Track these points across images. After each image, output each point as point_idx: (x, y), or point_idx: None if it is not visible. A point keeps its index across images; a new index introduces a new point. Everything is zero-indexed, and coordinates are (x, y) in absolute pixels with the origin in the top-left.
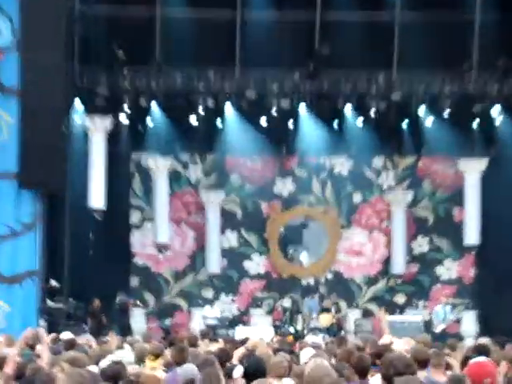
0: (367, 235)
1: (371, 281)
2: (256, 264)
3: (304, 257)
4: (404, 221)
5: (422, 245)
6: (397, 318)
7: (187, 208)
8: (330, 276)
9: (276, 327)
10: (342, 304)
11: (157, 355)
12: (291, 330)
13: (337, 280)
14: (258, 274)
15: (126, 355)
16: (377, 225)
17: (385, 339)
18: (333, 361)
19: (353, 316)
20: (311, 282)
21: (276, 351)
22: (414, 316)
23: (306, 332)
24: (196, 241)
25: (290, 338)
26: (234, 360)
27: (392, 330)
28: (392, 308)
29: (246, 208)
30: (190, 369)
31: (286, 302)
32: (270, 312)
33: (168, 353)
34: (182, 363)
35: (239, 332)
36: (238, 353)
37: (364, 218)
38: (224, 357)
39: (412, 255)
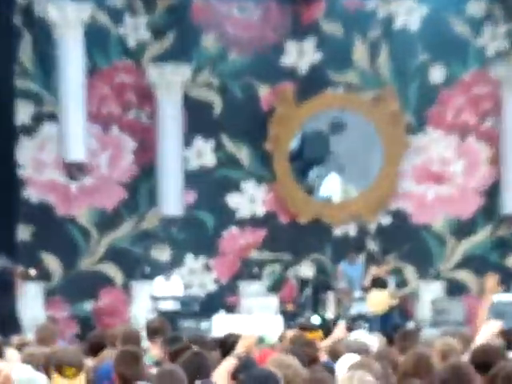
0: (456, 144)
1: (463, 228)
2: (249, 199)
3: (336, 185)
4: None
5: None
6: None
7: (121, 97)
8: (385, 220)
9: (287, 315)
10: (409, 272)
11: (69, 369)
12: (315, 319)
13: (399, 227)
14: (252, 218)
15: (8, 369)
16: (474, 125)
17: (485, 334)
18: (392, 379)
19: (429, 293)
20: (351, 231)
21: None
22: None
23: (341, 322)
24: (139, 158)
25: (315, 335)
26: (217, 378)
27: (497, 318)
28: (503, 278)
29: (232, 96)
30: None
31: (306, 270)
32: (276, 287)
33: (92, 364)
34: None
35: (219, 323)
36: (225, 367)
37: (450, 113)
38: (193, 371)
39: None
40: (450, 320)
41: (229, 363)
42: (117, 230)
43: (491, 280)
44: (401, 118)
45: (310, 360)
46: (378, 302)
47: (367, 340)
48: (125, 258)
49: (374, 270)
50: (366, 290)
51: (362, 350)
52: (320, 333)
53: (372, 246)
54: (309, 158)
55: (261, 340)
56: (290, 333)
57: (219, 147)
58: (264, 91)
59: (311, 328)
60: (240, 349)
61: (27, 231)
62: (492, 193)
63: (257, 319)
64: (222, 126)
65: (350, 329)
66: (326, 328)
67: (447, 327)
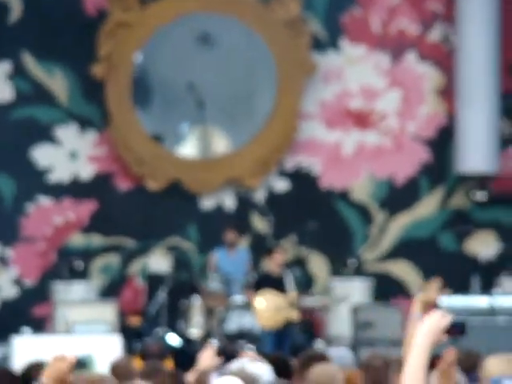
0: (386, 67)
1: (399, 196)
2: (68, 154)
3: (202, 133)
4: None
5: None
6: (461, 299)
7: None
8: (280, 185)
9: (130, 332)
10: (317, 263)
11: None
12: (172, 339)
13: (301, 196)
14: (73, 183)
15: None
16: (414, 37)
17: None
18: None
19: (348, 297)
20: (227, 201)
21: None
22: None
23: (213, 343)
24: None
25: (167, 364)
26: None
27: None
28: (462, 270)
29: None
30: None
31: (159, 262)
32: (113, 291)
33: None
34: None
35: (22, 348)
36: None
37: (377, 19)
38: None
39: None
40: (380, 336)
41: None
42: None
43: (430, 290)
44: (303, 27)
45: None
46: (270, 311)
47: (254, 370)
48: None
49: (267, 261)
50: (250, 292)
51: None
52: (170, 360)
53: (260, 224)
54: (160, 90)
55: (82, 365)
56: (124, 360)
57: (19, 72)
58: None
59: (159, 353)
60: (45, 379)
61: None
62: (442, 142)
63: (81, 341)
64: (23, 38)
65: (224, 354)
66: (189, 353)
67: (375, 348)
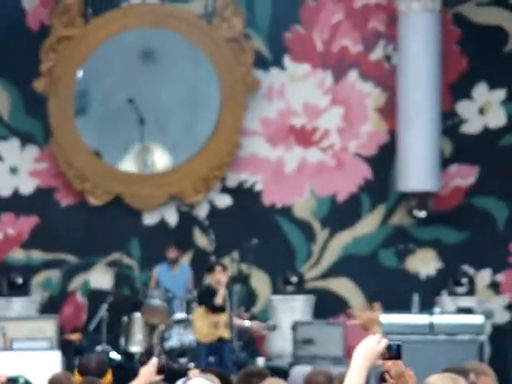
0: (329, 85)
1: (341, 213)
2: (9, 169)
3: (145, 149)
4: None
5: None
6: (402, 316)
7: None
8: (222, 201)
9: (70, 349)
10: (259, 280)
11: None
12: (113, 355)
13: (243, 211)
14: (14, 198)
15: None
16: (357, 56)
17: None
18: None
19: (290, 314)
20: (170, 217)
21: None
22: (467, 316)
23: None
24: None
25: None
26: None
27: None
28: (402, 287)
29: None
30: None
31: (101, 278)
32: (53, 306)
33: None
34: None
35: None
36: None
37: (320, 37)
38: None
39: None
40: (322, 354)
41: None
42: None
43: (371, 315)
44: (246, 44)
45: None
46: (204, 327)
47: None
48: None
49: (208, 278)
50: (190, 307)
51: None
52: (108, 377)
53: (202, 240)
54: (101, 106)
55: (14, 382)
56: (62, 376)
57: None
58: (32, 1)
59: (98, 368)
60: None
61: None
62: (383, 160)
63: (20, 357)
64: None
65: (164, 371)
66: (129, 369)
67: (317, 365)
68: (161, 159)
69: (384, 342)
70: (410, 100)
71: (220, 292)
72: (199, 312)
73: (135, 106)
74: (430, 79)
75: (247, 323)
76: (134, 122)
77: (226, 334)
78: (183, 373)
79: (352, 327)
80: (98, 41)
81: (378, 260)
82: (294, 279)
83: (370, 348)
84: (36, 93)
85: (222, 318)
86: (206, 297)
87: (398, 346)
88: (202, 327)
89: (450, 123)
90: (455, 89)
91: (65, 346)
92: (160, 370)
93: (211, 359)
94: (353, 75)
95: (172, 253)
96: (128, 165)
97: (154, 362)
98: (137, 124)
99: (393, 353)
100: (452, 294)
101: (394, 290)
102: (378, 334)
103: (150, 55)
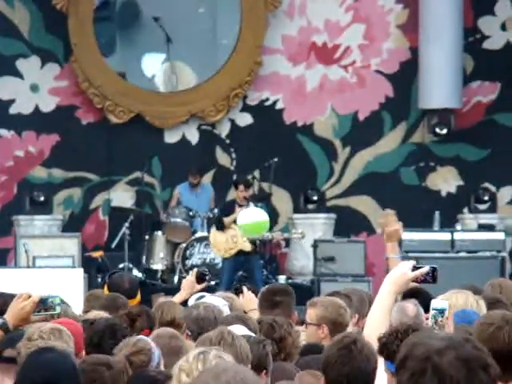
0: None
1: (362, 131)
2: (29, 87)
3: (164, 66)
4: None
5: None
6: (423, 234)
7: None
8: (243, 119)
9: (93, 266)
10: (280, 198)
11: None
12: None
13: (264, 130)
14: (35, 116)
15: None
16: None
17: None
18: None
19: (311, 232)
20: (190, 135)
21: None
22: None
23: (170, 277)
24: None
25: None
26: None
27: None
28: (424, 204)
29: None
30: None
31: (122, 197)
32: (75, 224)
33: None
34: None
35: None
36: None
37: None
38: None
39: None
40: (343, 271)
41: None
42: None
43: (388, 220)
44: None
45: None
46: (222, 242)
47: (217, 304)
48: None
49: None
50: (211, 223)
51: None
52: (138, 298)
53: (224, 158)
54: (121, 21)
55: (48, 302)
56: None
57: None
58: None
59: (130, 290)
60: (8, 314)
61: None
62: (405, 77)
63: (44, 274)
64: None
65: (203, 279)
66: (153, 285)
67: (339, 283)
68: (185, 78)
69: (415, 268)
70: (432, 16)
71: (234, 215)
72: (216, 230)
73: (161, 25)
74: None
75: (268, 234)
76: (159, 40)
77: (246, 246)
78: (205, 290)
79: (373, 244)
80: None
81: (399, 178)
82: (315, 197)
83: (401, 274)
84: (56, 10)
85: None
86: (220, 213)
87: (434, 270)
88: (220, 243)
89: (472, 39)
90: (477, 4)
91: (87, 264)
92: (200, 279)
93: (239, 274)
94: None
95: (193, 178)
96: (151, 83)
97: (193, 272)
98: (164, 42)
99: (428, 276)
100: (473, 211)
101: (415, 208)
102: (411, 261)
103: None
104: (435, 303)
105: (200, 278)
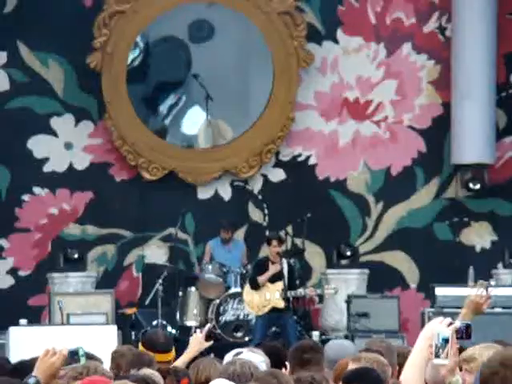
0: (382, 58)
1: (394, 187)
2: (63, 144)
3: (200, 123)
4: None
5: None
6: (457, 290)
7: None
8: (275, 175)
9: (126, 322)
10: (313, 254)
11: None
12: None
13: (297, 185)
14: (69, 174)
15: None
16: (410, 28)
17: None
18: None
19: (344, 287)
20: (223, 191)
21: None
22: None
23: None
24: None
25: (165, 357)
26: None
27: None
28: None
29: None
30: None
31: (156, 253)
32: (109, 281)
33: None
34: None
35: (18, 337)
36: None
37: (373, 10)
38: None
39: None
40: (376, 327)
41: None
42: None
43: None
44: (299, 18)
45: None
46: (256, 299)
47: (254, 360)
48: None
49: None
50: (245, 279)
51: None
52: (172, 353)
53: (256, 214)
54: (158, 80)
55: (74, 355)
56: (123, 350)
57: (13, 62)
58: None
59: (165, 345)
60: (37, 371)
61: None
62: (437, 132)
63: (78, 331)
64: (18, 28)
65: (212, 336)
66: (186, 342)
67: (372, 339)
68: (225, 134)
69: (450, 324)
70: (465, 72)
71: (268, 273)
72: (249, 287)
73: (200, 81)
74: (485, 50)
75: (301, 291)
76: (200, 96)
77: (279, 304)
78: (239, 346)
79: (406, 299)
80: (151, 14)
81: (432, 233)
82: (348, 253)
83: (436, 329)
84: (89, 68)
85: (272, 288)
86: (253, 271)
87: (468, 327)
88: (253, 301)
89: (504, 95)
90: (510, 60)
91: (120, 321)
92: (208, 337)
93: (272, 330)
94: (406, 48)
95: (225, 233)
96: (194, 141)
97: (204, 329)
98: (203, 99)
99: (463, 333)
100: (508, 266)
101: (449, 263)
102: (447, 318)
103: (202, 29)
104: (443, 332)
105: (208, 336)
